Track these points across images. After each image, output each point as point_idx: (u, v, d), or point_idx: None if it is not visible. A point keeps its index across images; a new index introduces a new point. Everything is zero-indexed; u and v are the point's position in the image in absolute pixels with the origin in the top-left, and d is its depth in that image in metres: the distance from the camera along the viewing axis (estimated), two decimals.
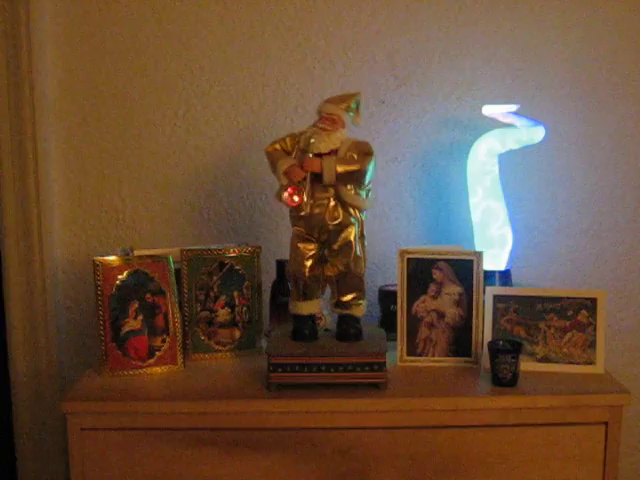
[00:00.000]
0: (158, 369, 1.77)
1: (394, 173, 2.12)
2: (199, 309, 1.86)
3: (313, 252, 1.68)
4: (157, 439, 1.63)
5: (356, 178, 1.62)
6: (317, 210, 1.64)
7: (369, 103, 2.11)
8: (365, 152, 1.63)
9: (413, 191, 2.15)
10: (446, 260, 1.78)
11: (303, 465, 1.64)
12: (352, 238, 1.65)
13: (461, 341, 1.78)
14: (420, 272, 1.78)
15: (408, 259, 1.78)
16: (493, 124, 1.97)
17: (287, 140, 1.69)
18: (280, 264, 1.93)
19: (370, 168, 1.62)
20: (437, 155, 2.13)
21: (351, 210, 1.66)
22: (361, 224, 1.68)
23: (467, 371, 1.75)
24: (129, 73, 2.10)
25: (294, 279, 1.70)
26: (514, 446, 1.64)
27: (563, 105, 2.11)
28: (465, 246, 1.94)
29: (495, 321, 1.77)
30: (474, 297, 1.77)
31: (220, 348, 1.87)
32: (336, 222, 1.64)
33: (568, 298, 1.75)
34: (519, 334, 1.76)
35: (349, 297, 1.69)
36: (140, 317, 1.77)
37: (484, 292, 1.77)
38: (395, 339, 1.79)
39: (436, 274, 1.78)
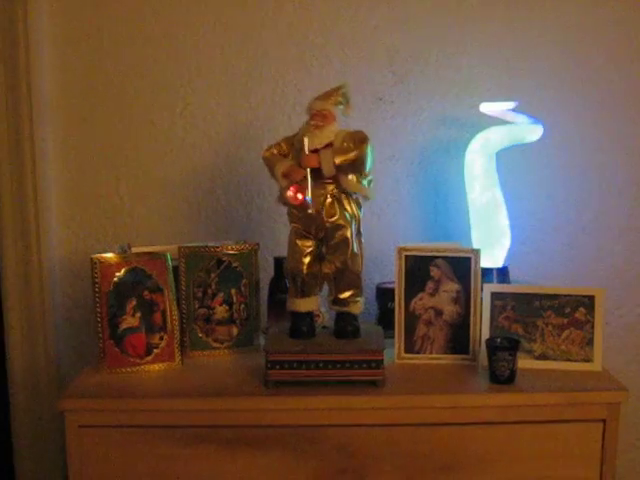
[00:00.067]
0: (156, 366, 1.77)
1: (392, 170, 2.12)
2: (197, 306, 1.86)
3: (311, 249, 1.68)
4: (155, 436, 1.63)
5: (357, 166, 1.62)
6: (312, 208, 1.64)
7: (367, 100, 2.11)
8: (361, 139, 1.62)
9: (411, 188, 2.15)
10: (444, 257, 1.78)
11: (301, 462, 1.64)
12: (349, 235, 1.65)
13: (459, 338, 1.78)
14: (418, 269, 1.78)
15: (406, 256, 1.78)
16: (491, 122, 1.97)
17: (282, 144, 1.69)
18: (278, 261, 1.93)
19: (368, 154, 1.62)
20: (435, 152, 2.13)
21: (348, 208, 1.66)
22: (358, 221, 1.68)
23: (465, 368, 1.75)
24: (127, 71, 2.10)
25: (292, 276, 1.70)
26: (512, 443, 1.64)
27: (561, 103, 2.11)
28: (463, 243, 1.94)
29: (493, 318, 1.77)
30: (472, 294, 1.77)
31: (218, 345, 1.87)
32: (333, 219, 1.64)
33: (566, 295, 1.75)
34: (517, 331, 1.76)
35: (347, 294, 1.69)
36: (138, 314, 1.76)
37: (482, 289, 1.77)
38: (393, 336, 1.78)
39: (434, 271, 1.78)
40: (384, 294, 1.96)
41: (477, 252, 1.78)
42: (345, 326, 1.70)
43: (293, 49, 2.09)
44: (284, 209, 1.71)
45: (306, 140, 1.61)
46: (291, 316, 1.72)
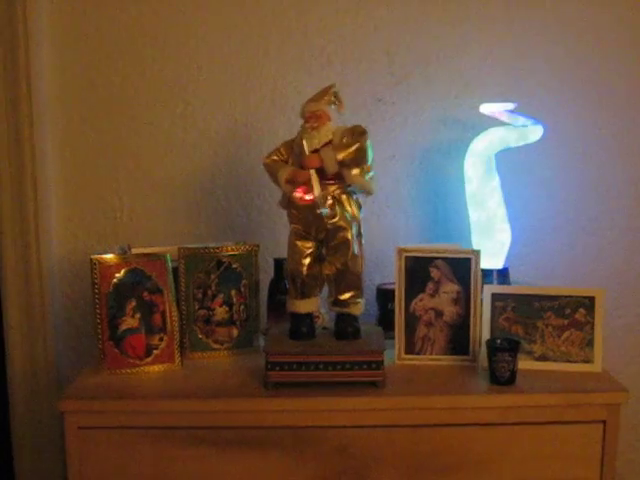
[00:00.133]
0: (155, 367, 1.77)
1: (392, 171, 2.12)
2: (197, 307, 1.86)
3: (311, 250, 1.68)
4: (155, 438, 1.62)
5: (359, 159, 1.62)
6: (313, 209, 1.64)
7: (367, 101, 2.11)
8: (359, 132, 1.63)
9: (411, 189, 2.15)
10: (444, 258, 1.78)
11: (301, 463, 1.63)
12: (349, 237, 1.65)
13: (459, 339, 1.78)
14: (418, 270, 1.78)
15: (406, 257, 1.78)
16: (491, 122, 1.97)
17: (281, 150, 1.69)
18: (278, 262, 1.92)
19: (368, 146, 1.62)
20: (435, 153, 2.13)
21: (349, 209, 1.66)
22: (358, 223, 1.68)
23: (465, 369, 1.75)
24: (126, 71, 2.10)
25: (292, 277, 1.70)
26: (512, 444, 1.64)
27: (561, 103, 2.11)
28: (463, 244, 1.94)
29: (493, 319, 1.77)
30: (472, 295, 1.77)
31: (218, 346, 1.87)
32: (333, 221, 1.64)
33: (566, 296, 1.75)
34: (517, 332, 1.76)
35: (347, 295, 1.69)
36: (137, 315, 1.76)
37: (482, 290, 1.77)
38: (393, 337, 1.78)
39: (434, 272, 1.78)
40: (384, 295, 1.96)
41: (477, 253, 1.78)
42: (345, 327, 1.70)
43: (293, 50, 2.09)
44: (284, 210, 1.71)
45: (305, 142, 1.61)
46: (291, 317, 1.72)
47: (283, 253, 1.74)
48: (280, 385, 1.64)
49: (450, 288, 1.78)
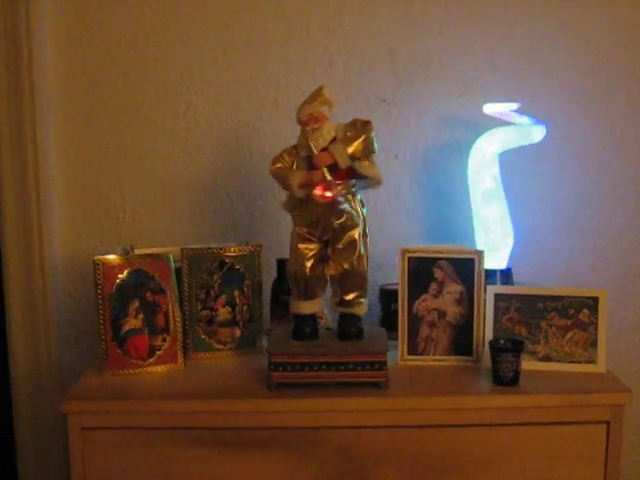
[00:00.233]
0: (158, 368, 1.77)
1: (395, 171, 2.12)
2: (199, 308, 1.86)
3: (314, 252, 1.68)
4: (158, 438, 1.62)
5: (368, 150, 1.64)
6: (321, 209, 1.64)
7: (370, 101, 2.11)
8: (363, 123, 1.65)
9: (414, 190, 2.15)
10: (447, 259, 1.78)
11: (304, 464, 1.63)
12: (357, 236, 1.65)
13: (462, 340, 1.78)
14: (421, 271, 1.78)
15: (409, 258, 1.77)
16: (494, 123, 1.96)
17: (284, 156, 1.69)
18: (280, 263, 1.92)
19: (374, 136, 1.64)
20: (438, 153, 2.13)
21: (355, 208, 1.66)
22: (364, 222, 1.68)
23: (468, 370, 1.75)
24: (129, 71, 2.10)
25: (295, 279, 1.70)
26: (515, 445, 1.64)
27: (564, 104, 2.11)
28: (466, 245, 1.94)
29: (496, 320, 1.77)
30: (475, 296, 1.77)
31: (221, 347, 1.87)
32: (341, 220, 1.64)
33: (569, 297, 1.75)
34: (520, 333, 1.76)
35: (352, 296, 1.69)
36: (140, 316, 1.76)
37: (485, 291, 1.77)
38: (396, 338, 1.78)
39: (437, 273, 1.78)
40: (387, 296, 1.95)
41: (480, 253, 1.77)
42: (348, 327, 1.69)
43: (296, 50, 2.09)
44: (288, 212, 1.71)
45: (311, 143, 1.62)
46: (294, 318, 1.72)
47: (286, 253, 1.74)
48: (283, 386, 1.63)
49: (453, 288, 1.78)
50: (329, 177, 1.61)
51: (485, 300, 1.77)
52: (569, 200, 2.15)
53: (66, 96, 2.10)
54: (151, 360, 1.77)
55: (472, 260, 1.77)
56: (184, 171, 2.13)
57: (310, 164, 1.64)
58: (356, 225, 1.65)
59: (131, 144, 2.12)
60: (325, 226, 1.65)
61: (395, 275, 1.81)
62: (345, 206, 1.65)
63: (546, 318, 1.75)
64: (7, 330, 2.10)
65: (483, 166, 1.96)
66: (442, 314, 1.78)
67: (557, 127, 2.06)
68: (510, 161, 2.00)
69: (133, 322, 1.76)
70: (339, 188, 1.63)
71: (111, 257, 1.76)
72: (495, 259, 1.96)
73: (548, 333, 1.75)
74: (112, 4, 2.07)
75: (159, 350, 1.77)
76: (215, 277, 1.85)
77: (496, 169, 1.96)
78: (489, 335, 1.75)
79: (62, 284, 2.15)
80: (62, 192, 2.13)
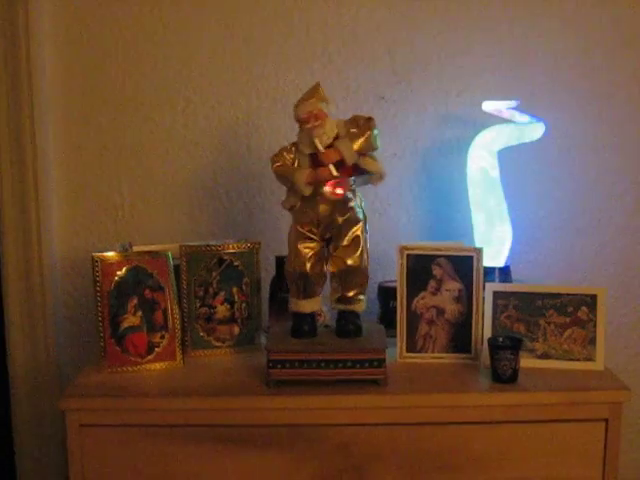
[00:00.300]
0: (157, 365, 1.77)
1: (393, 169, 2.11)
2: (198, 305, 1.86)
3: (315, 250, 1.68)
4: (156, 436, 1.62)
5: (372, 146, 1.64)
6: (324, 206, 1.64)
7: (369, 99, 2.11)
8: (365, 119, 1.65)
9: (413, 187, 2.15)
10: (446, 256, 1.77)
11: (302, 461, 1.63)
12: (360, 233, 1.66)
13: (461, 337, 1.78)
14: (420, 268, 1.78)
15: (408, 255, 1.77)
16: (493, 120, 1.96)
17: (284, 154, 1.67)
18: (279, 260, 1.92)
19: (377, 132, 1.65)
20: (437, 151, 2.13)
21: (358, 204, 1.67)
22: (365, 218, 1.69)
23: (467, 367, 1.75)
24: (128, 70, 2.09)
25: (295, 278, 1.69)
26: (514, 443, 1.64)
27: (563, 101, 2.11)
28: (465, 242, 1.94)
29: (495, 317, 1.77)
30: (474, 293, 1.77)
31: (219, 344, 1.87)
32: (346, 217, 1.64)
33: (568, 295, 1.75)
34: (519, 330, 1.76)
35: (353, 292, 1.69)
36: (139, 313, 1.76)
37: (484, 288, 1.77)
38: (395, 335, 1.78)
39: (436, 270, 1.78)
40: (386, 293, 1.95)
41: (479, 251, 1.77)
42: (347, 325, 1.69)
43: (294, 48, 2.09)
44: (286, 210, 1.71)
45: (317, 140, 1.61)
46: (293, 316, 1.72)
47: (284, 251, 1.74)
48: (282, 383, 1.63)
49: (452, 286, 1.77)
50: (336, 173, 1.61)
51: (484, 298, 1.77)
52: (568, 198, 2.15)
53: (65, 95, 2.10)
54: (149, 357, 1.77)
55: (471, 258, 1.77)
56: (183, 169, 2.13)
57: (314, 161, 1.64)
58: (359, 221, 1.66)
59: (130, 142, 2.12)
60: (328, 223, 1.65)
61: (394, 272, 1.81)
62: (350, 202, 1.65)
63: (545, 316, 1.75)
64: (6, 328, 2.10)
65: (482, 164, 1.96)
66: (441, 311, 1.78)
67: (556, 125, 2.06)
68: (509, 159, 2.00)
69: (132, 319, 1.76)
70: (349, 184, 1.63)
71: (109, 254, 1.76)
72: (494, 257, 1.96)
73: (547, 331, 1.75)
74: (111, 3, 2.07)
75: (157, 347, 1.77)
76: (214, 274, 1.85)
77: (495, 167, 1.96)
78: (488, 333, 1.75)
79: (61, 281, 2.15)
80: (61, 190, 2.13)
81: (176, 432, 1.62)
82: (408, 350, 1.79)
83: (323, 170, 1.62)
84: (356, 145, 1.62)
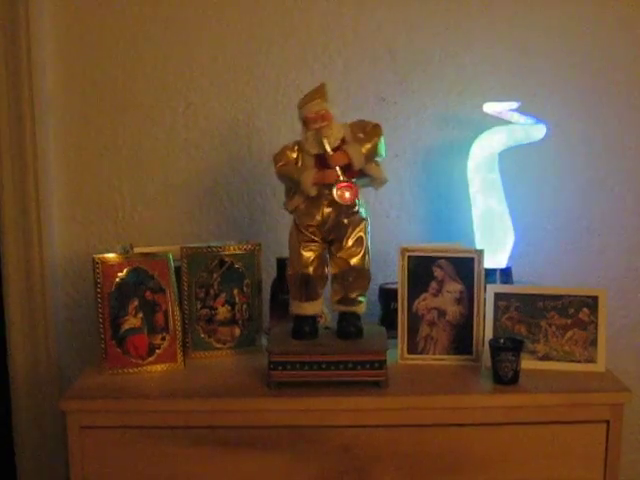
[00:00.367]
0: (158, 367, 1.77)
1: (394, 170, 2.11)
2: (199, 307, 1.85)
3: (317, 252, 1.68)
4: (157, 437, 1.62)
5: (378, 152, 1.64)
6: (330, 208, 1.64)
7: (369, 100, 2.11)
8: (373, 126, 1.65)
9: (413, 188, 2.15)
10: (447, 258, 1.77)
11: (303, 463, 1.63)
12: (363, 233, 1.67)
13: (462, 339, 1.78)
14: (421, 270, 1.78)
15: (409, 257, 1.77)
16: (494, 121, 1.96)
17: (287, 153, 1.66)
18: (280, 262, 1.92)
19: (384, 138, 1.65)
20: (438, 152, 2.13)
21: (361, 205, 1.67)
22: (367, 219, 1.69)
23: (468, 369, 1.75)
24: (128, 70, 2.09)
25: (297, 281, 1.69)
26: (515, 444, 1.64)
27: (564, 102, 2.11)
28: (466, 244, 1.93)
29: (496, 319, 1.76)
30: (475, 295, 1.76)
31: (220, 346, 1.87)
32: (351, 218, 1.65)
33: (569, 296, 1.75)
34: (520, 332, 1.76)
35: (356, 293, 1.69)
36: (140, 315, 1.76)
37: (485, 290, 1.77)
38: (395, 337, 1.78)
39: (437, 272, 1.77)
40: (387, 294, 1.95)
41: (480, 252, 1.77)
42: (348, 327, 1.69)
43: (295, 49, 2.09)
44: (287, 211, 1.71)
45: (325, 141, 1.60)
46: (294, 318, 1.72)
47: (285, 252, 1.74)
48: (283, 385, 1.63)
49: (453, 287, 1.77)
50: (342, 177, 1.60)
51: (485, 299, 1.76)
52: (569, 199, 2.14)
53: (66, 95, 2.10)
54: (150, 359, 1.76)
55: (472, 259, 1.76)
56: (183, 170, 2.13)
57: (320, 162, 1.63)
58: (363, 221, 1.67)
59: (130, 143, 2.12)
60: (333, 225, 1.65)
61: (395, 274, 1.81)
62: (355, 204, 1.65)
63: (546, 317, 1.75)
64: (6, 329, 2.10)
65: (483, 165, 1.96)
66: (442, 313, 1.78)
67: (557, 126, 2.06)
68: (510, 160, 2.00)
69: (132, 321, 1.76)
70: (358, 191, 1.62)
71: (110, 256, 1.76)
72: (495, 258, 1.96)
73: (548, 332, 1.75)
74: (111, 3, 2.06)
75: (158, 349, 1.77)
76: (215, 276, 1.85)
77: (496, 168, 1.96)
78: (489, 334, 1.75)
79: (61, 283, 2.15)
80: (61, 191, 2.13)
81: (177, 434, 1.62)
82: (409, 352, 1.79)
83: (330, 173, 1.61)
84: (364, 150, 1.62)
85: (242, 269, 1.86)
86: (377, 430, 1.62)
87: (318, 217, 1.65)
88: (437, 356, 1.79)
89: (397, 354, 1.78)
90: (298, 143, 1.67)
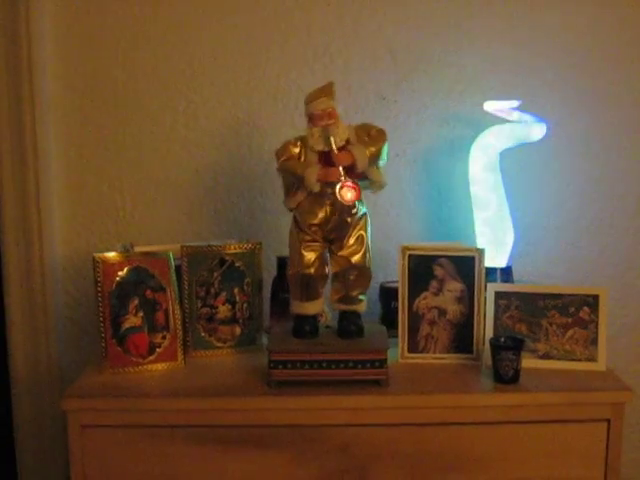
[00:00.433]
0: (158, 366, 1.76)
1: (395, 169, 2.11)
2: (199, 306, 1.85)
3: (318, 252, 1.68)
4: (157, 436, 1.62)
5: (381, 156, 1.65)
6: (333, 207, 1.63)
7: (370, 99, 2.11)
8: (377, 130, 1.66)
9: (414, 187, 2.15)
10: (447, 257, 1.77)
11: (304, 462, 1.63)
12: (364, 232, 1.67)
13: (462, 338, 1.78)
14: (422, 269, 1.77)
15: (409, 255, 1.77)
16: (494, 120, 1.96)
17: (290, 148, 1.65)
18: (281, 260, 1.92)
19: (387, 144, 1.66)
20: (438, 151, 2.13)
21: (362, 204, 1.67)
22: (367, 218, 1.69)
23: (468, 368, 1.75)
24: (128, 69, 2.09)
25: (298, 282, 1.69)
26: (515, 443, 1.64)
27: (565, 101, 2.11)
28: (466, 243, 1.93)
29: (497, 318, 1.76)
30: (475, 294, 1.76)
31: (221, 345, 1.87)
32: (353, 216, 1.65)
33: (570, 295, 1.75)
34: (521, 331, 1.75)
35: (357, 291, 1.69)
36: (140, 314, 1.76)
37: (486, 289, 1.77)
38: (396, 336, 1.78)
39: (437, 271, 1.77)
40: (388, 293, 1.95)
41: (481, 251, 1.77)
42: (349, 325, 1.69)
43: (296, 48, 2.09)
44: (287, 208, 1.71)
45: (332, 139, 1.60)
46: (295, 317, 1.72)
47: (286, 251, 1.74)
48: (283, 383, 1.63)
49: (454, 286, 1.77)
50: (344, 176, 1.59)
51: (485, 298, 1.76)
52: (569, 198, 2.14)
53: (66, 95, 2.10)
54: (151, 358, 1.76)
55: (472, 258, 1.76)
56: (184, 169, 2.13)
57: (324, 159, 1.62)
58: (363, 217, 1.67)
59: (131, 142, 2.12)
60: (336, 224, 1.65)
61: (395, 273, 1.81)
62: (355, 205, 1.65)
63: (546, 316, 1.75)
64: (7, 328, 2.10)
65: (483, 164, 1.95)
66: (442, 312, 1.78)
67: (558, 125, 2.06)
68: (510, 159, 2.00)
69: (133, 320, 1.76)
70: (360, 192, 1.62)
71: (111, 255, 1.75)
72: (495, 257, 1.96)
73: (548, 331, 1.75)
74: (112, 3, 2.07)
75: (159, 348, 1.77)
76: (215, 275, 1.85)
77: (497, 167, 1.96)
78: (489, 333, 1.75)
79: (62, 282, 2.15)
80: (62, 190, 2.13)
81: (177, 433, 1.62)
82: (410, 350, 1.79)
83: (334, 171, 1.60)
84: (368, 153, 1.62)
85: (242, 268, 1.86)
86: (377, 429, 1.62)
87: (321, 215, 1.64)
88: (437, 355, 1.79)
89: (397, 353, 1.78)
90: (301, 139, 1.66)
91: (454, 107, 2.11)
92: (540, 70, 2.09)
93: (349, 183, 1.59)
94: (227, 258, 1.85)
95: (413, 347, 1.79)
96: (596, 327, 1.74)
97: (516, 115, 1.94)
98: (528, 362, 1.70)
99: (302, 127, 1.68)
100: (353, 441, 1.62)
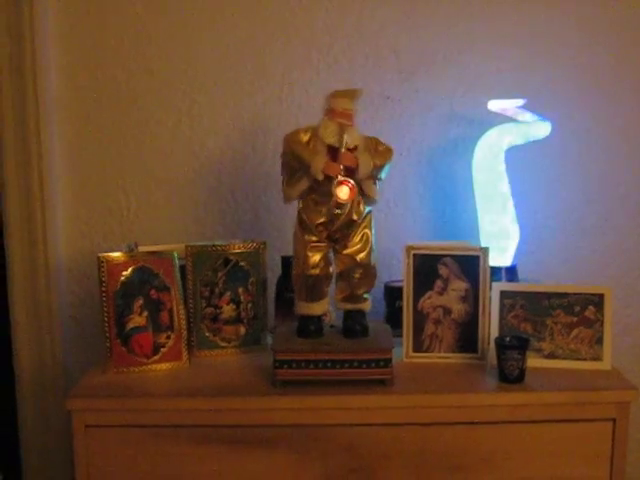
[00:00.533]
0: (163, 366, 1.76)
1: (399, 169, 2.11)
2: (204, 305, 1.85)
3: (323, 252, 1.67)
4: (162, 436, 1.62)
5: (381, 173, 1.65)
6: (339, 207, 1.63)
7: (374, 99, 2.10)
8: (385, 147, 1.66)
9: (418, 187, 2.14)
10: (452, 256, 1.77)
11: (308, 462, 1.63)
12: (369, 230, 1.67)
13: (467, 337, 1.77)
14: (426, 268, 1.77)
15: (414, 255, 1.77)
16: (499, 119, 1.96)
17: (301, 135, 1.64)
18: (285, 260, 1.92)
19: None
20: (442, 151, 2.12)
21: (365, 204, 1.67)
22: (371, 217, 1.69)
23: (473, 367, 1.75)
24: (133, 69, 2.09)
25: (303, 282, 1.68)
26: (521, 443, 1.63)
27: (569, 100, 2.10)
28: (471, 242, 1.93)
29: (502, 317, 1.76)
30: (480, 293, 1.76)
31: (225, 344, 1.87)
32: (359, 214, 1.65)
33: (575, 294, 1.74)
34: (526, 330, 1.75)
35: (361, 290, 1.69)
36: (145, 313, 1.76)
37: (490, 288, 1.76)
38: (401, 335, 1.78)
39: (442, 270, 1.77)
40: (392, 293, 1.95)
41: (485, 250, 1.77)
42: (354, 325, 1.69)
43: (299, 48, 2.09)
44: (290, 207, 1.71)
45: (346, 137, 1.60)
46: (300, 317, 1.71)
47: (290, 251, 1.74)
48: (288, 383, 1.63)
49: (458, 286, 1.77)
50: (342, 175, 1.59)
51: (490, 297, 1.76)
52: (574, 197, 2.14)
53: (70, 95, 2.10)
54: (155, 358, 1.76)
55: (477, 257, 1.76)
56: (188, 169, 2.13)
57: (331, 153, 1.61)
58: (368, 215, 1.67)
59: (135, 142, 2.12)
60: (342, 223, 1.64)
61: (400, 272, 1.81)
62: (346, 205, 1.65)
63: (552, 315, 1.75)
64: (12, 328, 2.11)
65: (488, 163, 1.95)
66: (447, 311, 1.78)
67: (562, 124, 2.05)
68: (515, 158, 1.99)
69: (137, 320, 1.76)
70: (356, 193, 1.61)
71: (115, 254, 1.76)
72: (500, 256, 1.95)
73: (554, 330, 1.75)
74: (115, 3, 2.07)
75: (163, 348, 1.77)
76: (219, 274, 1.85)
77: (501, 166, 1.96)
78: (494, 332, 1.75)
79: (66, 282, 2.15)
80: (66, 190, 2.13)
81: (182, 433, 1.62)
82: (414, 350, 1.79)
83: (335, 167, 1.60)
84: (372, 164, 1.62)
85: (247, 267, 1.86)
86: (383, 428, 1.62)
87: (327, 213, 1.64)
88: (442, 354, 1.78)
89: (402, 352, 1.78)
90: (312, 129, 1.65)
91: (458, 106, 2.10)
92: (545, 69, 2.09)
93: (349, 182, 1.59)
94: (231, 258, 1.85)
95: (418, 346, 1.79)
96: (601, 326, 1.73)
97: (520, 114, 1.93)
98: (533, 361, 1.70)
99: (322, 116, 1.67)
100: (358, 441, 1.62)
